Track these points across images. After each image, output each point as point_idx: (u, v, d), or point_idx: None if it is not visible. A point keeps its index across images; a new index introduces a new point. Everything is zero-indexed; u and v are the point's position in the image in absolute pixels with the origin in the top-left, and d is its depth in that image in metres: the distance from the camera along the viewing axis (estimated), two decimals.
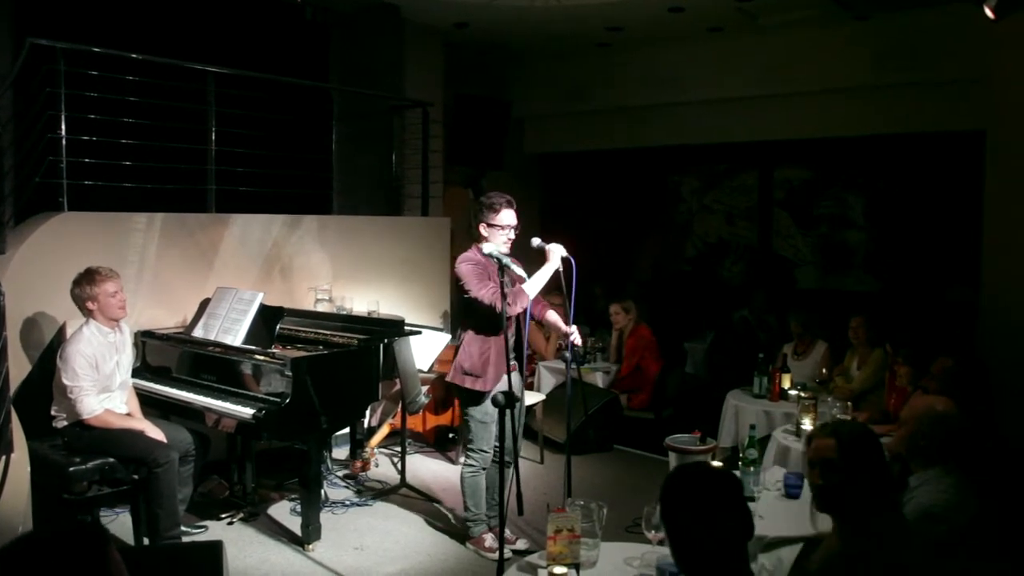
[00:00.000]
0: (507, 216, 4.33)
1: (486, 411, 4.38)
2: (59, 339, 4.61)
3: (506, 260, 4.16)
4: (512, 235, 4.35)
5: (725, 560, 1.96)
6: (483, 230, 4.35)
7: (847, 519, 2.36)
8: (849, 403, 4.75)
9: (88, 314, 4.28)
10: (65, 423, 4.26)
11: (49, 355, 4.51)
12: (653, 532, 3.03)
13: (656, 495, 3.65)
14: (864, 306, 6.98)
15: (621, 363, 7.15)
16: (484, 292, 4.18)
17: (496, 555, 4.29)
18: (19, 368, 4.63)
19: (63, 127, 4.90)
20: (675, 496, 2.08)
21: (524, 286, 4.26)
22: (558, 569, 2.79)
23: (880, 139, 8.16)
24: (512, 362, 4.16)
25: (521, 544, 4.56)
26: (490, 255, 4.17)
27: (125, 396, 4.51)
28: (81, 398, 4.14)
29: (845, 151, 8.70)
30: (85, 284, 4.24)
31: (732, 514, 2.01)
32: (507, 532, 4.58)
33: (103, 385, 4.29)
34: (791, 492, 3.57)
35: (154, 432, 4.29)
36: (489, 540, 4.54)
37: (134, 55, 5.33)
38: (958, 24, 6.73)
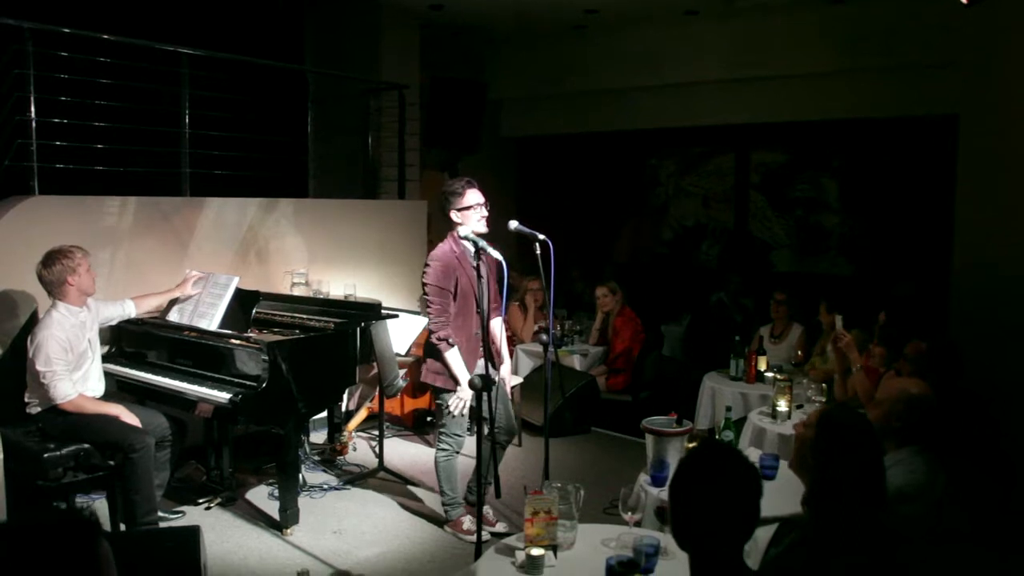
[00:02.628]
0: (473, 195, 4.34)
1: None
2: (31, 324, 4.56)
3: (482, 243, 4.17)
4: (485, 211, 4.35)
5: (721, 546, 1.94)
6: (455, 216, 4.34)
7: (822, 505, 2.36)
8: (824, 384, 4.80)
9: (60, 294, 4.21)
10: (39, 409, 4.21)
11: (21, 341, 4.46)
12: (630, 514, 3.05)
13: (632, 477, 3.70)
14: (837, 289, 7.07)
15: (605, 346, 7.17)
16: (433, 315, 4.29)
17: (474, 538, 4.34)
18: None
19: (32, 109, 4.83)
20: (691, 474, 1.99)
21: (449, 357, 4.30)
22: (535, 550, 2.82)
23: (855, 123, 8.21)
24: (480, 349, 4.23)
25: (500, 527, 4.58)
26: (466, 238, 4.18)
27: (99, 372, 4.49)
28: (55, 383, 4.10)
29: (820, 135, 8.74)
30: (63, 259, 4.16)
31: (741, 508, 1.94)
32: (488, 514, 4.62)
33: (76, 364, 4.25)
34: (766, 473, 3.61)
35: (129, 417, 4.26)
36: (467, 523, 4.56)
37: (105, 36, 5.24)
38: (931, 9, 6.77)
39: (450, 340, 4.28)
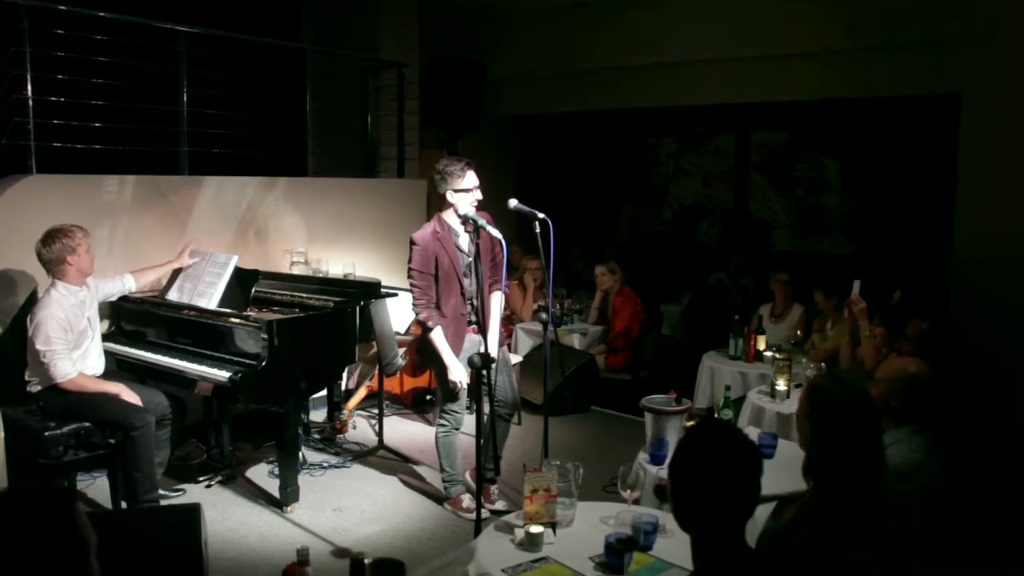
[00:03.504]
0: (472, 178, 4.34)
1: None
2: (31, 304, 4.55)
3: (481, 221, 4.17)
4: (479, 195, 4.34)
5: (723, 525, 1.92)
6: (450, 197, 4.32)
7: (823, 479, 2.37)
8: (823, 364, 4.81)
9: (59, 274, 4.20)
10: (39, 388, 4.22)
11: (20, 320, 4.46)
12: (629, 492, 3.06)
13: (631, 455, 3.71)
14: (837, 269, 7.05)
15: (604, 324, 7.18)
16: (415, 296, 4.34)
17: (472, 516, 4.35)
18: None
19: (29, 87, 4.80)
20: (691, 454, 1.98)
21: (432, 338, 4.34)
22: (535, 528, 2.83)
23: (856, 102, 8.16)
24: (473, 326, 4.32)
25: (500, 504, 4.60)
26: (466, 216, 4.19)
27: (99, 351, 4.49)
28: (55, 362, 4.10)
29: (821, 114, 8.70)
30: (62, 238, 4.16)
31: (742, 487, 1.93)
32: (490, 491, 4.65)
33: (76, 343, 4.25)
34: (765, 452, 3.62)
35: (129, 395, 4.26)
36: (466, 501, 4.58)
37: (101, 13, 5.20)
38: None
39: (430, 323, 4.30)
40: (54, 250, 4.16)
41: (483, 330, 4.10)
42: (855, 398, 2.41)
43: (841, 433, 2.32)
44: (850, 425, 2.33)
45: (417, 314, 4.35)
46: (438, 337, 4.33)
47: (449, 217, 4.35)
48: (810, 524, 2.24)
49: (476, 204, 4.32)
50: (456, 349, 4.39)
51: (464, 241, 4.36)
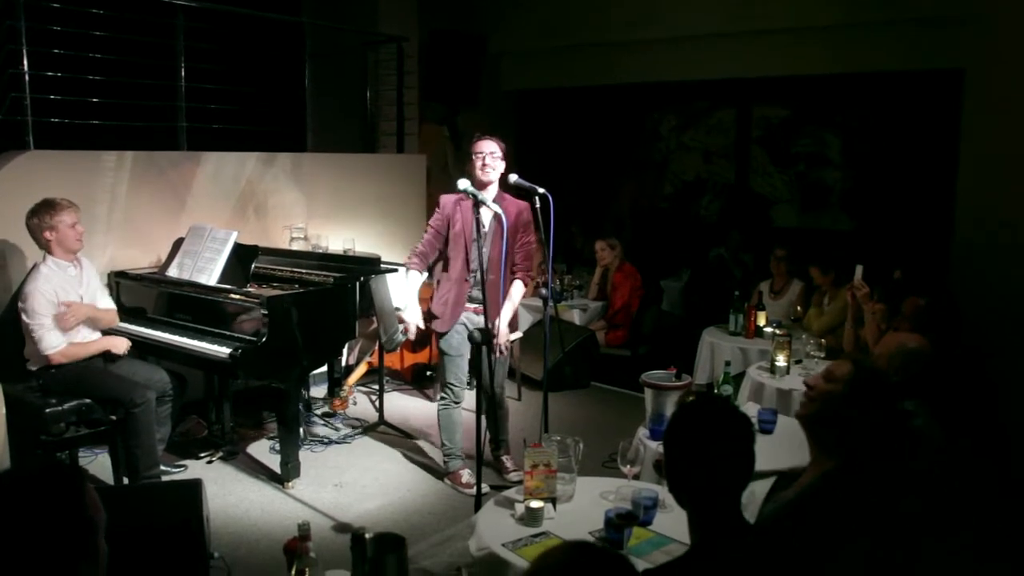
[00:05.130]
0: (476, 146, 4.43)
1: (450, 345, 4.53)
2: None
3: (481, 196, 4.16)
4: (487, 160, 4.36)
5: (719, 499, 1.93)
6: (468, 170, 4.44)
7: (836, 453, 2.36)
8: (823, 339, 4.81)
9: (45, 246, 4.21)
10: (38, 366, 4.22)
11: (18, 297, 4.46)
12: (629, 467, 3.07)
13: (631, 430, 3.72)
14: (838, 245, 7.04)
15: (604, 300, 7.18)
16: (420, 243, 4.63)
17: (472, 491, 4.39)
18: None
19: (25, 62, 4.77)
20: (683, 430, 1.99)
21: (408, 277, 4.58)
22: (535, 503, 2.84)
23: (858, 77, 8.10)
24: (476, 305, 4.37)
25: (514, 476, 4.62)
26: (465, 191, 4.19)
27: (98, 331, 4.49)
28: (42, 335, 4.11)
29: (823, 89, 8.63)
30: (44, 213, 4.15)
31: (736, 460, 1.94)
32: (507, 463, 4.75)
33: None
34: (765, 428, 3.63)
35: (118, 344, 4.34)
36: (466, 476, 4.61)
37: None
38: None
39: (409, 267, 4.54)
40: (32, 224, 4.18)
41: (486, 310, 4.10)
42: (884, 377, 2.40)
43: (875, 409, 2.32)
44: (883, 402, 2.33)
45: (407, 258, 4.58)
46: (411, 279, 4.56)
47: (460, 185, 4.37)
48: (828, 500, 2.23)
49: (485, 168, 4.36)
50: (450, 316, 4.48)
51: (487, 216, 4.38)
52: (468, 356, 4.61)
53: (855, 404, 2.32)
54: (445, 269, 4.56)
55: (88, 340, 4.39)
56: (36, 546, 1.54)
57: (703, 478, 1.93)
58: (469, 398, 4.70)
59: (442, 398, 4.63)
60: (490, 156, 4.36)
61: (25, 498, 1.56)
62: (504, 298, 4.47)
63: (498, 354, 4.48)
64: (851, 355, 4.68)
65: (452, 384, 4.58)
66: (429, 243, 4.56)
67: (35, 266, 4.24)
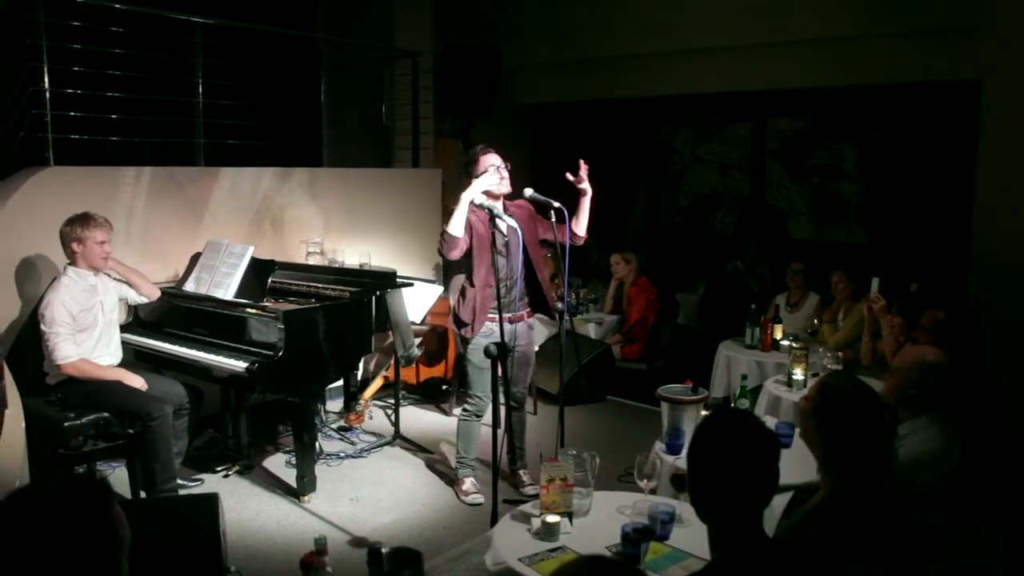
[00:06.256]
0: (485, 160, 4.41)
1: (477, 356, 4.50)
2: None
3: (498, 210, 4.18)
4: (501, 172, 4.38)
5: (741, 514, 1.91)
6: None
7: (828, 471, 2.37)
8: (840, 353, 4.78)
9: (71, 256, 4.27)
10: (57, 379, 4.25)
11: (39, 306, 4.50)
12: (645, 481, 3.06)
13: (647, 444, 3.71)
14: (854, 258, 6.99)
15: (620, 314, 7.17)
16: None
17: (471, 499, 4.53)
18: (11, 325, 4.63)
19: (46, 80, 4.83)
20: (708, 444, 1.98)
21: (447, 226, 4.34)
22: (551, 517, 2.83)
23: (874, 89, 8.08)
24: (504, 313, 4.26)
25: (530, 490, 4.62)
26: (481, 206, 4.21)
27: (115, 341, 4.52)
28: (57, 344, 4.13)
29: (839, 101, 8.61)
30: (78, 225, 4.23)
31: (761, 476, 1.92)
32: (523, 476, 4.76)
33: (83, 327, 4.27)
34: (783, 441, 3.59)
35: (133, 380, 4.30)
36: (467, 484, 4.65)
37: (117, 5, 5.23)
38: None
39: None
40: (64, 231, 4.25)
41: (501, 320, 4.11)
42: (854, 386, 2.40)
43: (844, 421, 2.31)
44: (854, 413, 2.32)
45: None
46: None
47: (476, 200, 4.38)
48: (826, 521, 2.23)
49: (502, 180, 4.37)
50: (477, 321, 4.47)
51: (503, 225, 4.41)
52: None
53: (819, 420, 2.35)
54: (469, 278, 4.52)
55: (112, 361, 4.44)
56: (63, 561, 1.52)
57: (727, 493, 1.92)
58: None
59: (465, 409, 4.67)
60: (503, 168, 4.40)
61: (54, 512, 1.54)
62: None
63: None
64: (867, 370, 4.65)
65: (478, 396, 4.59)
66: (454, 242, 4.38)
67: (58, 278, 4.29)
